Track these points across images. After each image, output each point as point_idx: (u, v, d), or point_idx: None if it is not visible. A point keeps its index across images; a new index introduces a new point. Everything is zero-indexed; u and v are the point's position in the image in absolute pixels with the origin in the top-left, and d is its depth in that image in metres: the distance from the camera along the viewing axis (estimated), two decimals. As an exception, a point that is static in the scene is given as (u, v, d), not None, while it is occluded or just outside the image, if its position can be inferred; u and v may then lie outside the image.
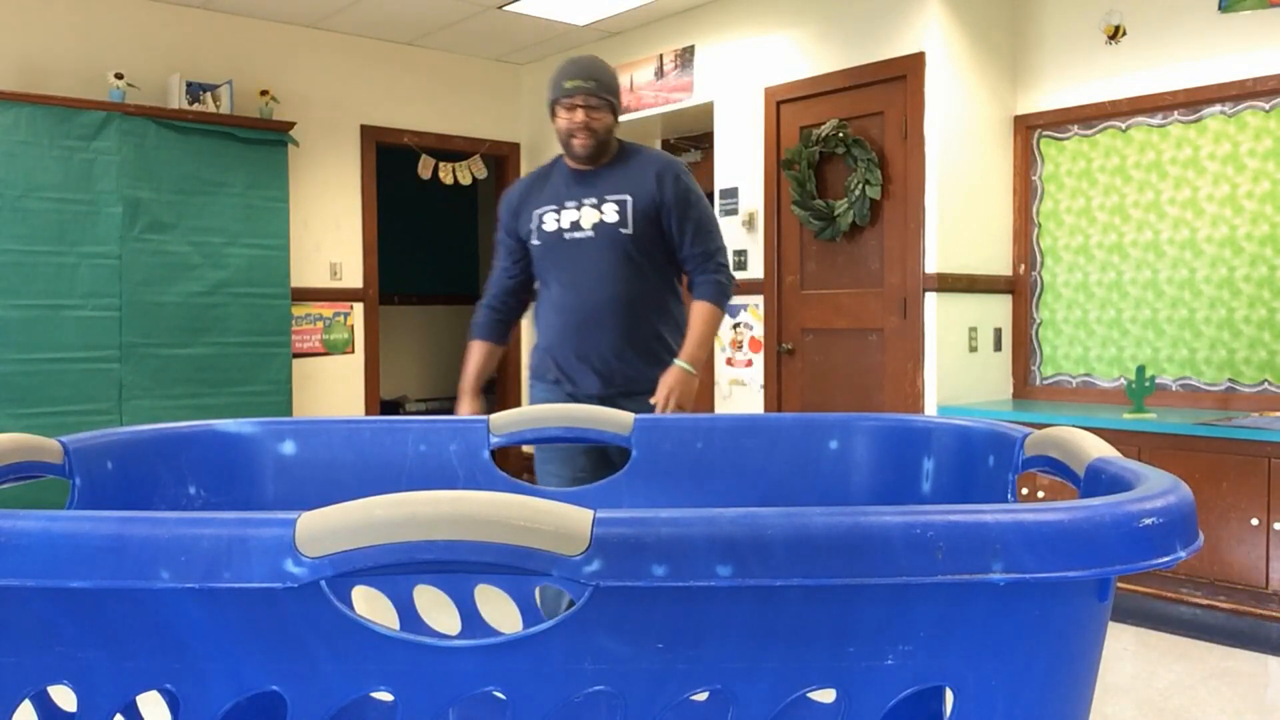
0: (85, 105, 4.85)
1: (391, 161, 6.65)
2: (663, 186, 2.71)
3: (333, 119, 5.92)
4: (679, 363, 2.69)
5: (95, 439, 1.37)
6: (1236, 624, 3.55)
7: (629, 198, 2.71)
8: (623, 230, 2.69)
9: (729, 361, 5.25)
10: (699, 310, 2.75)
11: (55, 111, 4.76)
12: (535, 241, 2.79)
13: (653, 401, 2.69)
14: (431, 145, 6.30)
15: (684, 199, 2.73)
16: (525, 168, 6.65)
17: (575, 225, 2.73)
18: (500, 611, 1.84)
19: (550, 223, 2.77)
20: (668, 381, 2.67)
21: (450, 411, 8.36)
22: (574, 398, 2.72)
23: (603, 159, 2.77)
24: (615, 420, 1.87)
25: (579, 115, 2.68)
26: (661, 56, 5.67)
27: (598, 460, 2.66)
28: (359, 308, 6.05)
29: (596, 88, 2.68)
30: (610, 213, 2.70)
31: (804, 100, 4.92)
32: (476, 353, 2.92)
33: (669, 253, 2.77)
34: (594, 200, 2.73)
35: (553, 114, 2.75)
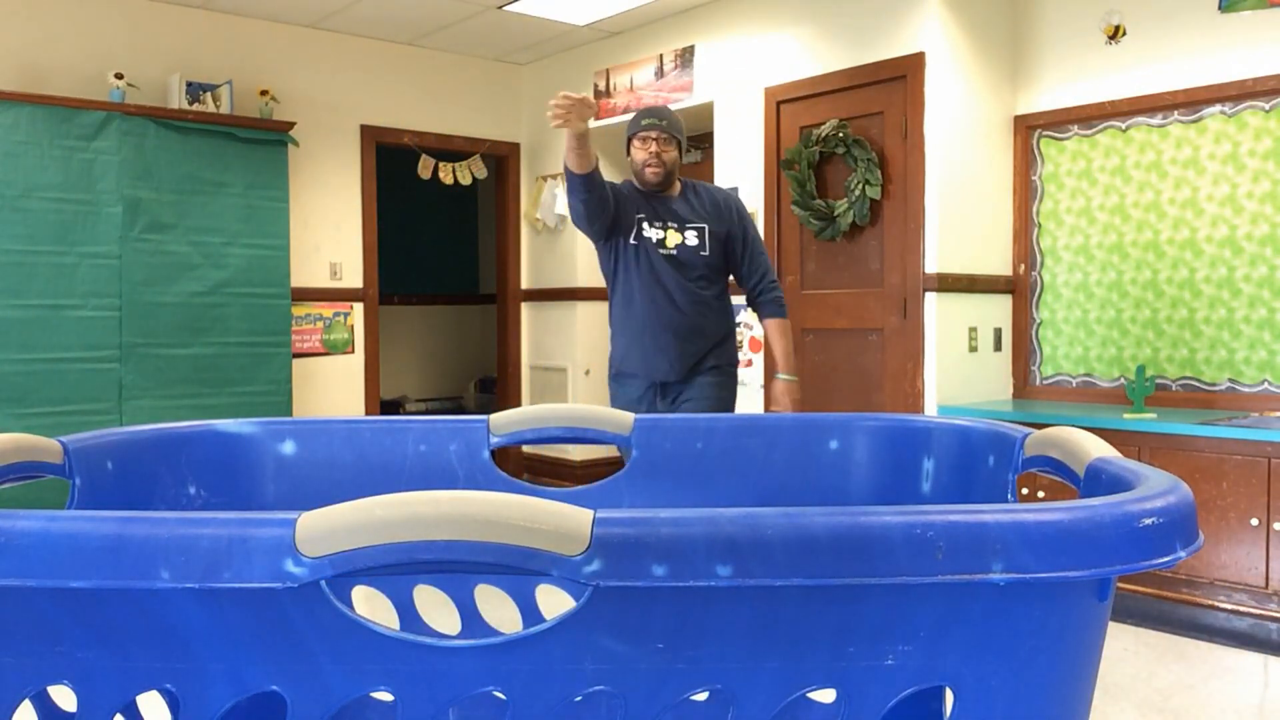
0: (85, 105, 4.84)
1: (391, 161, 6.64)
2: (733, 219, 3.36)
3: (333, 119, 5.92)
4: (783, 375, 3.34)
5: (95, 439, 1.37)
6: (1236, 624, 3.55)
7: (706, 226, 3.32)
8: (702, 253, 3.30)
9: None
10: (777, 327, 3.38)
11: (55, 111, 4.76)
12: (633, 241, 3.28)
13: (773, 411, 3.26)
14: (431, 145, 6.30)
15: (747, 229, 3.39)
16: (525, 168, 6.66)
17: (661, 243, 3.29)
18: (500, 611, 1.84)
19: (649, 231, 3.29)
20: (783, 398, 3.31)
21: (450, 412, 8.34)
22: (652, 383, 3.30)
23: (668, 188, 3.33)
24: (615, 420, 1.87)
25: (652, 147, 3.25)
26: (661, 56, 5.67)
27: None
28: (359, 308, 6.05)
29: (668, 126, 3.27)
30: (692, 237, 3.31)
31: (804, 100, 4.92)
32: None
33: (726, 268, 3.39)
34: (676, 225, 3.30)
35: (629, 147, 3.31)
